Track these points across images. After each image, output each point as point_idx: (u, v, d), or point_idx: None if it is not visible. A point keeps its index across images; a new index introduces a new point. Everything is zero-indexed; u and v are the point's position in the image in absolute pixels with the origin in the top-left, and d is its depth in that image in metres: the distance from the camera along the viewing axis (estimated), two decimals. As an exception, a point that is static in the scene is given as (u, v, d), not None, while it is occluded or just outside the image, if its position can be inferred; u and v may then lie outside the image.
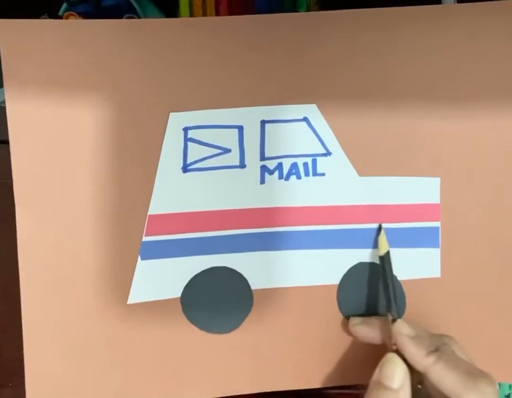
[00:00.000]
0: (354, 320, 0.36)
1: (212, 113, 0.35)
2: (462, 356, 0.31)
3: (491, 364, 0.36)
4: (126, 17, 0.39)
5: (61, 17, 0.39)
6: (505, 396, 0.43)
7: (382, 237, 0.36)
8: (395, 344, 0.32)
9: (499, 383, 0.43)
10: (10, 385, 0.42)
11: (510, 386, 0.43)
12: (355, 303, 0.37)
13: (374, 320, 0.35)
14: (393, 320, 0.33)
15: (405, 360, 0.31)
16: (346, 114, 0.35)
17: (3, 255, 0.38)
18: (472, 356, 0.35)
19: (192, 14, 0.43)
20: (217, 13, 0.43)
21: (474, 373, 0.29)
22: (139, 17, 0.40)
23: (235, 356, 0.37)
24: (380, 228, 0.36)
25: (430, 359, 0.30)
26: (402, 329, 0.32)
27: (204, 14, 0.43)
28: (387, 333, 0.34)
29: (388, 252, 0.35)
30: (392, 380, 0.31)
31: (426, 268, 0.37)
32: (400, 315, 0.34)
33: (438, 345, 0.31)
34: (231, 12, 0.43)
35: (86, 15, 0.39)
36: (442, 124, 0.36)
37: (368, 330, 0.35)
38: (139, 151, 0.35)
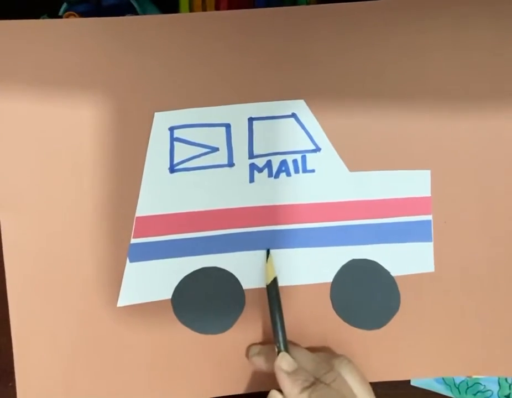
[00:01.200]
0: (252, 350, 0.36)
1: (198, 111, 0.34)
2: (352, 377, 0.32)
3: (485, 357, 0.37)
4: None
5: (61, 17, 0.39)
6: (505, 396, 0.43)
7: (270, 264, 0.35)
8: None
9: (499, 384, 0.42)
10: (10, 384, 0.42)
11: (510, 385, 0.42)
12: (348, 301, 0.37)
13: (271, 352, 0.34)
14: (279, 352, 0.33)
15: None
16: (335, 109, 0.35)
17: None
18: (466, 349, 0.35)
19: (192, 14, 0.42)
20: (217, 12, 0.42)
21: None
22: (138, 17, 0.40)
23: (228, 356, 0.36)
24: (268, 253, 0.35)
25: (304, 396, 0.30)
26: (281, 363, 0.32)
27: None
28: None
29: (275, 280, 0.35)
30: None
31: (420, 263, 0.36)
32: (278, 344, 0.33)
33: (320, 375, 0.31)
34: (231, 11, 0.42)
35: (86, 15, 0.39)
36: (431, 117, 0.35)
37: (262, 361, 0.35)
38: (124, 153, 0.34)
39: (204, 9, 0.42)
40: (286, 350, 0.33)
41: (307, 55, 0.34)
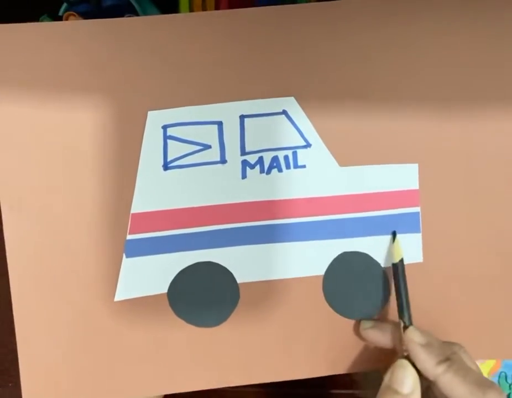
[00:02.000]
0: (366, 324, 0.36)
1: (191, 110, 0.35)
2: (471, 364, 0.32)
3: (476, 344, 0.37)
4: (126, 17, 0.39)
5: (61, 17, 0.39)
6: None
7: (397, 245, 0.36)
8: (405, 351, 0.33)
9: (499, 383, 0.43)
10: (10, 385, 0.43)
11: (510, 385, 0.43)
12: (341, 293, 0.37)
13: (385, 325, 0.36)
14: (405, 327, 0.34)
15: (415, 366, 0.32)
16: (324, 106, 0.35)
17: (3, 253, 0.38)
18: (457, 337, 0.36)
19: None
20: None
21: (483, 385, 0.30)
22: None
23: (224, 349, 0.37)
24: (394, 235, 0.37)
25: (441, 368, 0.31)
26: (414, 336, 0.33)
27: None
28: (397, 338, 0.35)
29: (402, 260, 0.36)
30: (402, 386, 0.31)
31: (408, 254, 0.37)
32: (404, 319, 0.35)
33: (448, 354, 0.32)
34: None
35: (86, 15, 0.39)
36: (419, 112, 0.36)
37: (379, 335, 0.36)
38: (119, 151, 0.35)
39: (204, 9, 0.42)
40: (411, 324, 0.34)
41: (297, 53, 0.35)
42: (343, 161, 0.36)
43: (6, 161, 0.35)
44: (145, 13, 0.41)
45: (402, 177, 0.36)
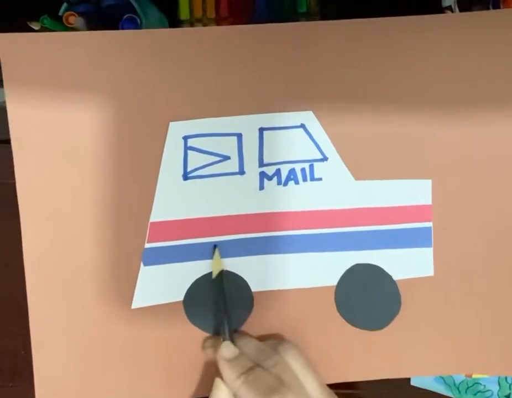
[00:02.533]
0: (205, 343, 0.37)
1: (211, 121, 0.35)
2: (294, 360, 0.33)
3: (485, 359, 0.38)
4: (126, 18, 0.39)
5: (61, 17, 0.39)
6: (505, 396, 0.44)
7: (217, 257, 0.36)
8: None
9: (499, 384, 0.44)
10: (10, 385, 0.43)
11: (510, 385, 0.44)
12: (352, 304, 0.38)
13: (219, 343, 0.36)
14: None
15: None
16: (341, 120, 0.36)
17: (4, 254, 0.38)
18: (465, 351, 0.37)
19: (192, 14, 0.43)
20: (217, 13, 0.43)
21: (268, 393, 0.31)
22: (139, 17, 0.40)
23: (237, 356, 0.38)
24: (214, 247, 0.37)
25: (238, 382, 0.32)
26: (222, 351, 0.34)
27: (204, 14, 0.43)
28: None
29: (221, 273, 0.36)
30: None
31: (420, 267, 0.38)
32: (223, 333, 0.35)
33: (261, 361, 0.33)
34: (231, 12, 0.43)
35: (86, 15, 0.39)
36: (432, 127, 0.37)
37: (212, 353, 0.36)
38: (140, 160, 0.36)
39: (204, 9, 0.43)
40: (231, 339, 0.35)
41: (315, 68, 0.36)
42: (359, 175, 0.37)
43: (24, 168, 0.35)
44: (145, 13, 0.40)
45: (415, 192, 0.37)
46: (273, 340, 0.36)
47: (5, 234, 0.36)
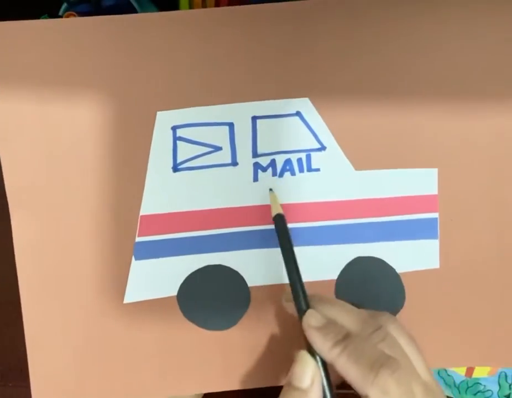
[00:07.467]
0: (287, 296, 0.33)
1: (201, 110, 0.34)
2: (399, 335, 0.30)
3: (490, 352, 0.37)
4: None
5: (61, 17, 0.39)
6: (505, 396, 0.43)
7: (273, 197, 0.33)
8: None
9: (499, 384, 0.43)
10: (10, 384, 0.43)
11: (510, 385, 0.43)
12: (353, 298, 0.36)
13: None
14: (304, 311, 0.31)
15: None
16: (340, 107, 0.34)
17: (4, 254, 0.38)
18: (471, 344, 0.36)
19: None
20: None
21: (376, 365, 0.27)
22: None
23: (234, 352, 0.37)
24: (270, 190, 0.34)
25: (335, 351, 0.28)
26: (310, 321, 0.30)
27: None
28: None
29: (279, 216, 0.32)
30: (301, 380, 0.29)
31: (425, 259, 0.36)
32: (299, 303, 0.31)
33: (367, 334, 0.29)
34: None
35: (86, 15, 0.39)
36: (437, 115, 0.34)
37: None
38: (128, 152, 0.34)
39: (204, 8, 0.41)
40: (308, 307, 0.31)
41: (312, 52, 0.33)
42: (359, 164, 0.35)
43: (11, 164, 0.34)
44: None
45: (420, 181, 0.35)
46: (367, 310, 0.32)
47: (5, 234, 0.36)
